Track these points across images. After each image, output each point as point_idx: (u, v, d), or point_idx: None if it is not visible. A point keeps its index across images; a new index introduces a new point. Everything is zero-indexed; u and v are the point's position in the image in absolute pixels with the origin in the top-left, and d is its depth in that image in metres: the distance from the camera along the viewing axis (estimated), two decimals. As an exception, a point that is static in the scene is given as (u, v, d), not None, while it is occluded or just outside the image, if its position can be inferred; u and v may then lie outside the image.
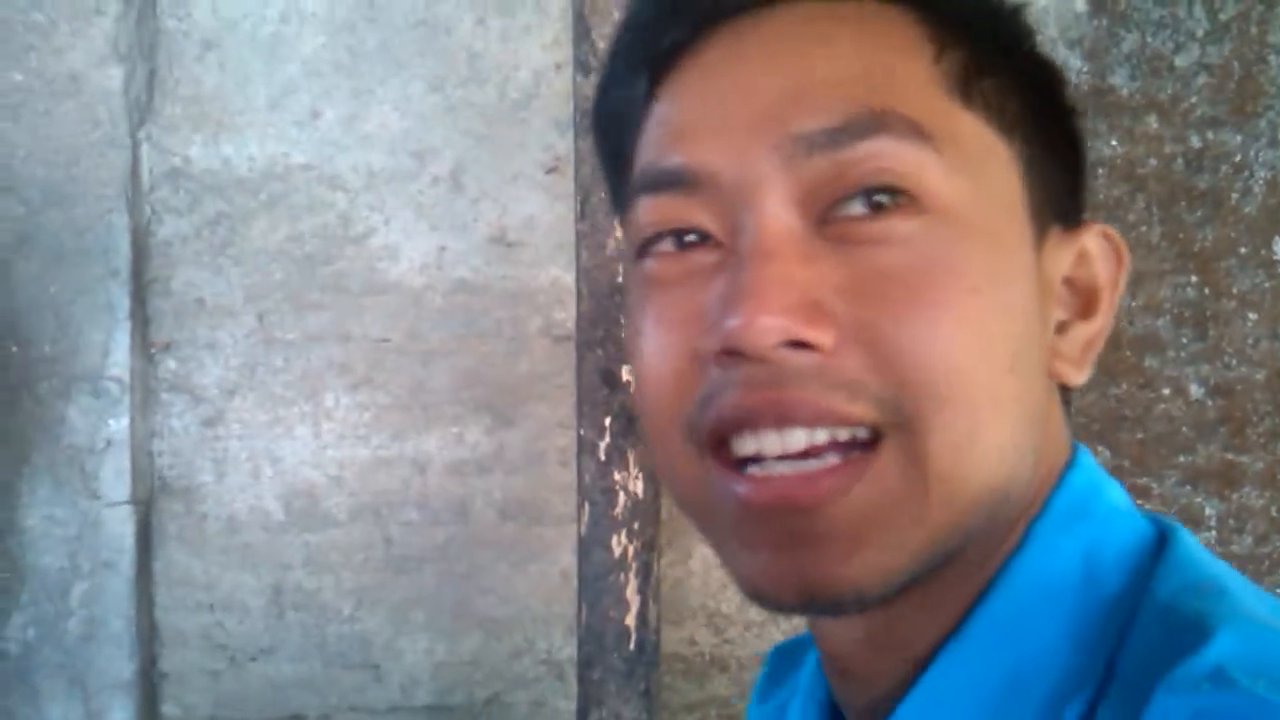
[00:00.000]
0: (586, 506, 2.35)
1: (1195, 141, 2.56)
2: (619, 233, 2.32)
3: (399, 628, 2.64)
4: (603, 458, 2.35)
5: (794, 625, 2.67)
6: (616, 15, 2.21)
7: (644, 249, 0.61)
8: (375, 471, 2.62)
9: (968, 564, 0.58)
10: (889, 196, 0.55)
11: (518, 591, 2.64)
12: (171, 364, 2.61)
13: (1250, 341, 2.58)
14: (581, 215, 2.33)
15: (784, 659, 0.82)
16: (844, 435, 0.54)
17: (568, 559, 2.56)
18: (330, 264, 2.62)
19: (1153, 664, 0.51)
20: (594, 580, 2.35)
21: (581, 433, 2.34)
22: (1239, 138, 2.55)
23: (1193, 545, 0.59)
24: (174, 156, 2.61)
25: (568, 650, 2.58)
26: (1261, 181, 2.55)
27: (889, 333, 0.53)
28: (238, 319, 2.61)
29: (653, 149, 0.61)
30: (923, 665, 0.59)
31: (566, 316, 2.54)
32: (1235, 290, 2.58)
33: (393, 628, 2.64)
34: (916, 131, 0.55)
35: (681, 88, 0.60)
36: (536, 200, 2.62)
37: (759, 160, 0.56)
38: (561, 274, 2.58)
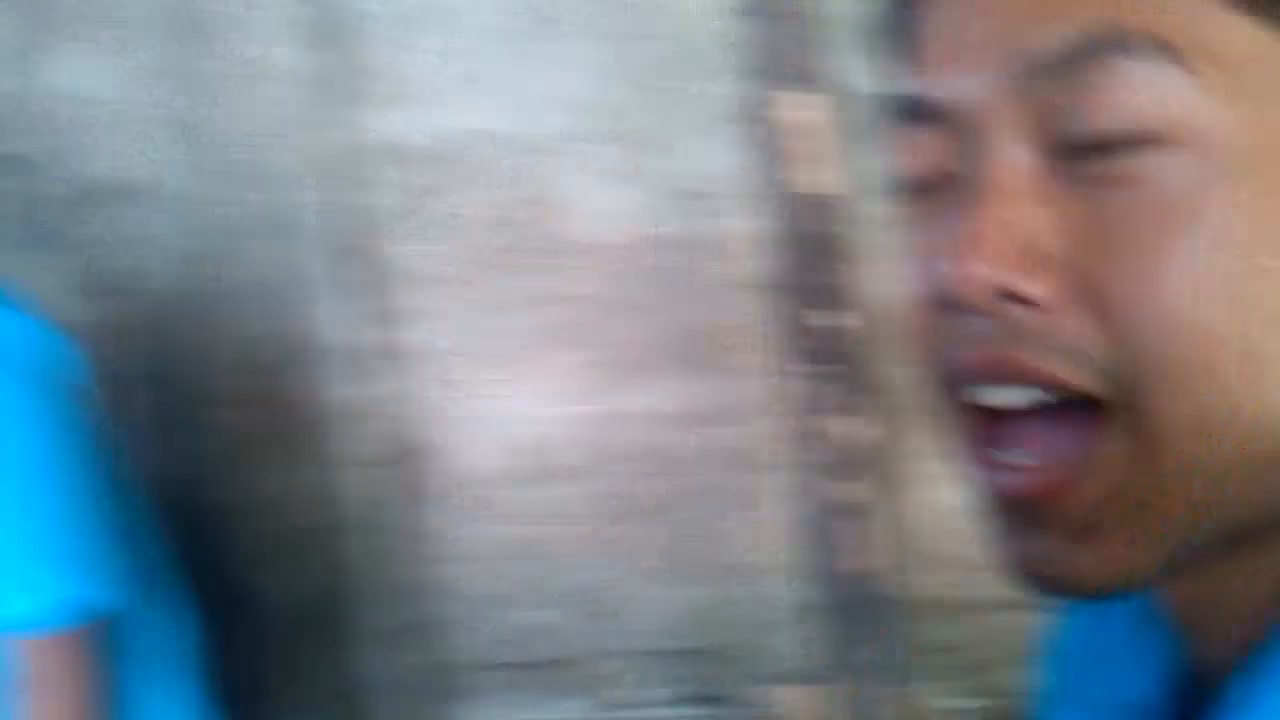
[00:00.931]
0: (810, 454, 2.34)
1: None
2: (810, 176, 2.25)
3: (632, 577, 2.68)
4: (818, 405, 2.34)
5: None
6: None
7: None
8: (597, 427, 2.65)
9: None
10: (1132, 130, 0.46)
11: (747, 539, 2.62)
12: (396, 333, 2.70)
13: None
14: (772, 163, 2.28)
15: None
16: (1064, 397, 0.49)
17: (794, 506, 2.54)
18: (532, 228, 2.63)
19: None
20: (823, 526, 2.35)
21: (794, 381, 2.29)
22: None
23: None
24: (370, 133, 2.66)
25: (804, 596, 2.57)
26: None
27: (1118, 290, 0.46)
28: (452, 287, 2.67)
29: (900, 74, 0.55)
30: (1260, 630, 0.52)
31: (763, 266, 2.49)
32: None
33: (626, 577, 2.68)
34: (1167, 51, 0.45)
35: (932, 7, 0.54)
36: (725, 151, 2.54)
37: (987, 87, 0.49)
38: (754, 224, 2.50)
